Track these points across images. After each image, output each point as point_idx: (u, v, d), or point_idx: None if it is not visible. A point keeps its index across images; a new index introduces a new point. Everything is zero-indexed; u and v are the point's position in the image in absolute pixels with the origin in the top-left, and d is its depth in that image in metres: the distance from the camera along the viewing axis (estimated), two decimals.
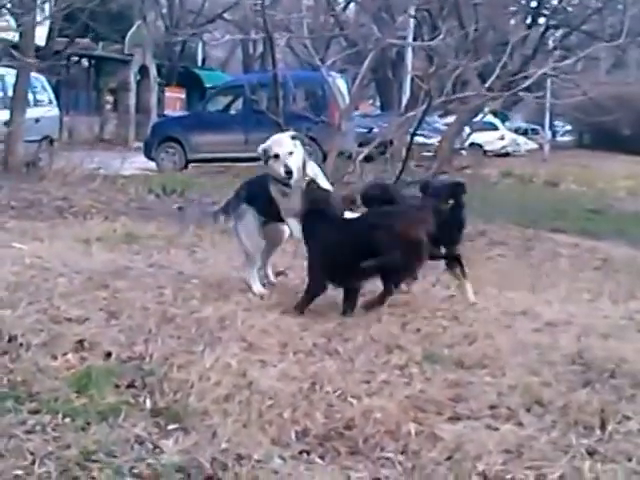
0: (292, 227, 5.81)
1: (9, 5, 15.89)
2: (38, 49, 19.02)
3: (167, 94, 37.93)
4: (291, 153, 5.73)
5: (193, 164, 20.93)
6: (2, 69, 16.38)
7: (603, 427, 3.72)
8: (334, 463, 3.32)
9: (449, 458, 3.36)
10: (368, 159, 11.73)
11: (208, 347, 4.35)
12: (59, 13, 19.89)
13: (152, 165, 20.81)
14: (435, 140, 22.42)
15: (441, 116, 24.80)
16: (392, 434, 3.54)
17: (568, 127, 50.58)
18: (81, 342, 4.29)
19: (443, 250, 6.03)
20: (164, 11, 39.63)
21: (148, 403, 3.65)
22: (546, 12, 26.24)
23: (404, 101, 22.50)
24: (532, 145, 41.48)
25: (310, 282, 5.40)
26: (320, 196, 5.52)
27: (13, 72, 15.03)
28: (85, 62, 35.63)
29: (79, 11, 21.12)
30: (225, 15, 38.68)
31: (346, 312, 5.29)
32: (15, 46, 15.21)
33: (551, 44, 27.21)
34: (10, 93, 15.09)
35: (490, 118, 30.71)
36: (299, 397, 3.83)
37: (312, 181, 5.66)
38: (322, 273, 5.34)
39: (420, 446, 3.46)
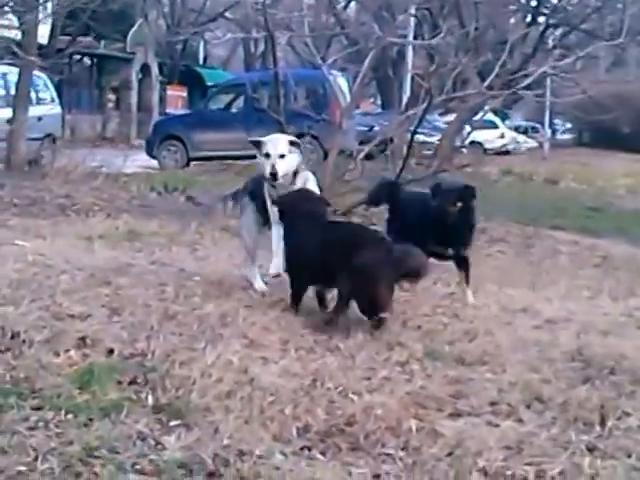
0: (274, 226, 5.72)
1: (12, 3, 15.85)
2: (40, 47, 18.98)
3: (169, 92, 37.88)
4: (283, 156, 5.57)
5: (195, 162, 20.91)
6: (5, 67, 16.37)
7: (603, 423, 3.74)
8: (335, 459, 3.33)
9: (450, 454, 3.38)
10: (369, 157, 11.73)
11: (210, 344, 4.36)
12: (61, 11, 19.84)
13: (154, 163, 20.80)
14: (435, 138, 22.52)
15: (441, 114, 24.82)
16: (393, 430, 3.56)
17: (568, 125, 50.48)
18: (83, 339, 4.29)
19: (450, 251, 6.06)
20: (166, 10, 39.62)
21: (150, 399, 3.66)
22: (546, 11, 26.17)
23: (405, 99, 22.51)
24: (532, 143, 41.43)
25: (290, 281, 5.38)
26: (296, 198, 5.42)
27: (16, 70, 15.01)
28: (87, 60, 35.59)
29: (81, 10, 21.06)
30: (226, 14, 38.59)
31: (330, 322, 5.02)
32: (18, 44, 15.18)
33: (551, 43, 27.15)
34: (13, 91, 15.05)
35: (490, 116, 30.74)
36: (300, 393, 3.84)
37: (300, 190, 5.56)
38: (298, 272, 5.29)
39: (421, 442, 3.48)
